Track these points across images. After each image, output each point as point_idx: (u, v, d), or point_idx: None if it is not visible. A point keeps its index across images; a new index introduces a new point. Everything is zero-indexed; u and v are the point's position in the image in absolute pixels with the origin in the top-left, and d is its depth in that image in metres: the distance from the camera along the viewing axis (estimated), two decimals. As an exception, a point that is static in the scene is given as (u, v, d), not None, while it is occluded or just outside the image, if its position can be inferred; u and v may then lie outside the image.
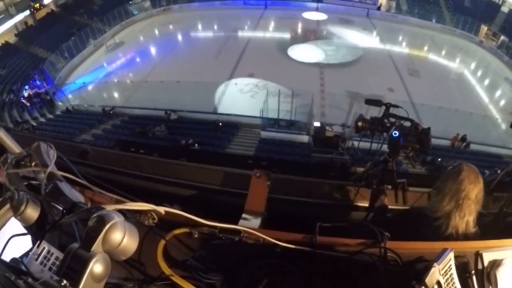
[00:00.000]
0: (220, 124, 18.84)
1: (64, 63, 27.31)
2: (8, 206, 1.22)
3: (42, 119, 21.81)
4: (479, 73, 27.98)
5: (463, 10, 34.76)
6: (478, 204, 1.98)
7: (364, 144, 2.89)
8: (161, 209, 1.37)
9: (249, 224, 2.07)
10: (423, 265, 1.37)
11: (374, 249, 1.52)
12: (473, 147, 18.67)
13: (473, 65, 29.00)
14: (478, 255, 1.62)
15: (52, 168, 1.33)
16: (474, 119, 19.45)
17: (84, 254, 0.90)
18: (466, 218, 1.97)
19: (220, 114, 20.07)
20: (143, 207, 1.33)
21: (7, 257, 1.49)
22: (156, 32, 33.25)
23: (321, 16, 31.44)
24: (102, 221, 0.93)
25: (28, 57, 27.79)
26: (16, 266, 1.42)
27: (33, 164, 1.36)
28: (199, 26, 33.69)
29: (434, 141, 2.38)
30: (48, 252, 1.47)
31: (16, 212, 1.21)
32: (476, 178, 1.97)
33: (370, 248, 1.53)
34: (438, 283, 1.33)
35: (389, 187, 2.78)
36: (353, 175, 3.22)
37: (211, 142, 17.16)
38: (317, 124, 16.87)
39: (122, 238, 0.97)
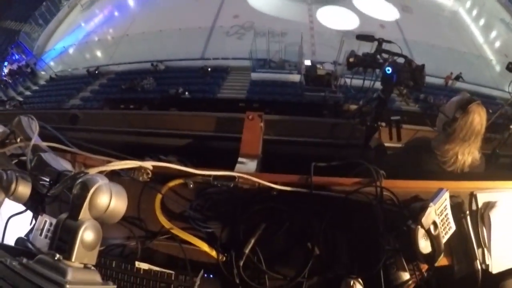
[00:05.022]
0: (209, 69, 18.40)
1: (40, 30, 25.63)
2: None
3: (28, 93, 21.12)
4: (474, 12, 26.67)
5: None
6: (483, 134, 2.02)
7: (357, 82, 2.83)
8: (148, 164, 1.35)
9: (246, 167, 2.08)
10: (419, 204, 1.38)
11: (370, 188, 1.54)
12: (465, 86, 18.17)
13: (468, 4, 27.49)
14: (472, 196, 1.64)
15: (36, 140, 1.28)
16: (467, 58, 18.94)
17: (72, 224, 0.88)
18: (473, 152, 2.03)
19: (207, 59, 19.42)
20: (128, 165, 1.30)
21: (12, 237, 1.49)
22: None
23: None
24: (85, 187, 0.90)
25: (1, 33, 26.29)
26: (22, 245, 1.42)
27: (18, 140, 1.32)
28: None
29: (426, 79, 2.33)
30: (51, 224, 1.46)
31: (8, 192, 1.18)
32: (483, 113, 1.98)
33: (366, 186, 1.54)
34: (434, 223, 1.34)
35: (383, 124, 2.78)
36: (347, 113, 3.21)
37: (201, 89, 16.90)
38: (307, 62, 16.55)
39: (109, 201, 0.94)
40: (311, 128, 3.26)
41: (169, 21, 21.52)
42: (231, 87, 17.66)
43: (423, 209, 1.33)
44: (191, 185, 1.60)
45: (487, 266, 1.57)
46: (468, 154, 2.02)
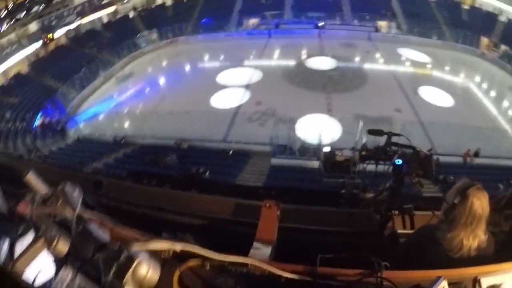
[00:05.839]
0: (230, 152, 18.95)
1: (76, 93, 28.02)
2: (42, 241, 1.37)
3: (54, 148, 22.04)
4: (484, 86, 27.77)
5: (461, 24, 34.84)
6: (486, 216, 2.02)
7: (374, 168, 2.97)
8: (178, 247, 1.55)
9: (260, 253, 2.14)
10: None
11: (372, 279, 1.59)
12: (485, 161, 18.28)
13: (477, 78, 28.82)
14: (476, 281, 1.64)
15: (79, 209, 1.47)
16: (483, 132, 19.21)
17: (118, 285, 1.11)
18: (479, 235, 2.03)
19: (229, 142, 20.21)
20: (163, 247, 1.54)
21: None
22: (164, 63, 34.01)
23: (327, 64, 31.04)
24: (131, 259, 1.14)
25: (40, 87, 28.35)
26: None
27: (58, 203, 1.50)
28: (206, 57, 34.23)
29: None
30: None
31: (49, 246, 1.37)
32: (484, 197, 2.00)
33: (368, 277, 1.60)
34: None
35: (396, 213, 2.84)
36: (362, 202, 3.29)
37: (221, 171, 17.20)
38: (327, 149, 16.87)
39: (148, 271, 1.18)
40: (327, 217, 3.32)
41: (195, 104, 22.94)
42: (251, 171, 17.87)
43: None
44: (208, 266, 1.70)
45: None
46: (473, 238, 2.02)
